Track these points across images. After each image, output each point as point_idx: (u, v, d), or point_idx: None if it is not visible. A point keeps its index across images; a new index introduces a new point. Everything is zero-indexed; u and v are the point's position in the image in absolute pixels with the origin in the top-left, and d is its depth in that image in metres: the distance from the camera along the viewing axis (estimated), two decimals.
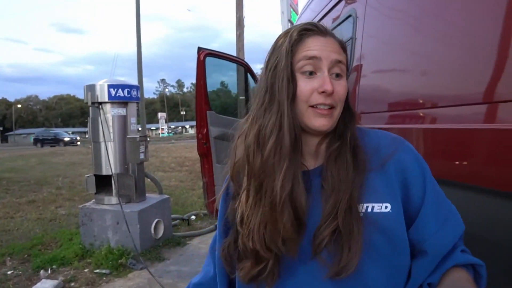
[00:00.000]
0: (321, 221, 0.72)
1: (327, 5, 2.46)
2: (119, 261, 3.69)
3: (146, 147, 4.15)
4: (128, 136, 4.10)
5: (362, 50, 1.78)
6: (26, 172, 10.60)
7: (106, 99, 3.97)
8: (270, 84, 0.74)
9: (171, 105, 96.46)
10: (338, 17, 2.18)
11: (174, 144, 23.14)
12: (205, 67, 3.80)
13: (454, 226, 0.75)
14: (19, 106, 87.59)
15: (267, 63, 0.77)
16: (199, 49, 3.78)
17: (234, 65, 4.62)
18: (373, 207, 0.73)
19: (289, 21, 7.86)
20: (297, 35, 0.74)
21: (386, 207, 0.73)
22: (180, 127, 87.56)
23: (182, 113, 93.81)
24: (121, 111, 4.08)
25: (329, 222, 0.70)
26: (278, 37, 0.79)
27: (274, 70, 0.74)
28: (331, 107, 0.73)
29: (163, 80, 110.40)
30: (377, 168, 0.75)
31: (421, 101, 1.32)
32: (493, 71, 0.95)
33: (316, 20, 2.66)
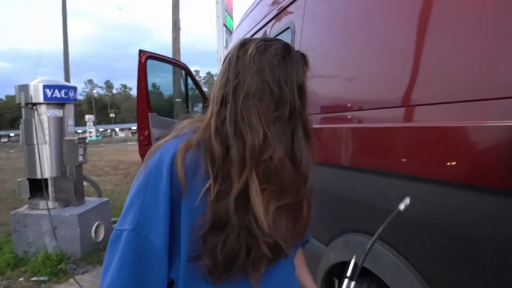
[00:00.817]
0: None
1: (266, 15, 2.68)
2: (59, 267, 3.58)
3: (84, 149, 4.07)
4: (65, 138, 3.99)
5: None
6: None
7: (42, 100, 3.83)
8: (291, 101, 0.77)
9: (99, 107, 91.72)
10: (277, 28, 2.40)
11: (105, 148, 22.12)
12: (146, 69, 3.85)
13: None
14: None
15: (275, 74, 0.76)
16: (141, 51, 3.83)
17: (170, 68, 4.69)
18: None
19: (224, 25, 8.02)
20: (305, 62, 0.82)
21: None
22: (109, 130, 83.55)
23: (111, 115, 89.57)
24: (58, 112, 3.96)
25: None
26: (273, 49, 0.78)
27: (291, 86, 0.77)
28: None
29: (90, 81, 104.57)
30: None
31: (349, 104, 1.58)
32: (407, 78, 1.21)
33: (255, 29, 2.88)
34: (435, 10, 1.13)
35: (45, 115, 3.91)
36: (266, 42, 0.80)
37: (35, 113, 3.84)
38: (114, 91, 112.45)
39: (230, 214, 0.72)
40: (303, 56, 0.82)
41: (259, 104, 0.75)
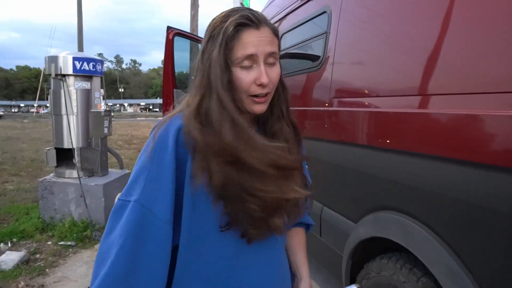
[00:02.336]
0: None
1: (296, 1, 2.73)
2: (84, 233, 3.76)
3: (110, 122, 4.19)
4: (92, 110, 4.10)
5: (336, 43, 2.07)
6: None
7: (71, 72, 3.93)
8: (207, 71, 0.81)
9: (108, 81, 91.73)
10: (312, 11, 2.46)
11: (116, 122, 22.29)
12: (173, 46, 3.91)
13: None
14: None
15: (204, 49, 0.83)
16: (168, 28, 3.87)
17: (187, 45, 4.73)
18: None
19: (241, 3, 8.00)
20: (233, 31, 0.79)
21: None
22: (118, 105, 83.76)
23: (120, 90, 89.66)
24: (86, 84, 4.06)
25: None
26: (214, 22, 0.83)
27: (210, 59, 0.80)
28: (267, 93, 0.84)
29: (100, 54, 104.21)
30: None
31: (384, 88, 1.65)
32: (423, 71, 1.29)
33: (287, 11, 2.92)
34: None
35: (73, 86, 4.01)
36: (219, 14, 0.85)
37: (64, 84, 3.94)
38: (124, 66, 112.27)
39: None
40: (241, 17, 0.81)
41: (196, 77, 0.86)
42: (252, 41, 0.79)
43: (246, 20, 0.80)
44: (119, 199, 0.80)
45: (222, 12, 0.84)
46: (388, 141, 1.55)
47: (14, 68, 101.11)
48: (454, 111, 1.21)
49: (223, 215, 0.81)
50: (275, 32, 0.85)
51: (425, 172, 1.33)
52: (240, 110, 0.83)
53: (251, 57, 0.80)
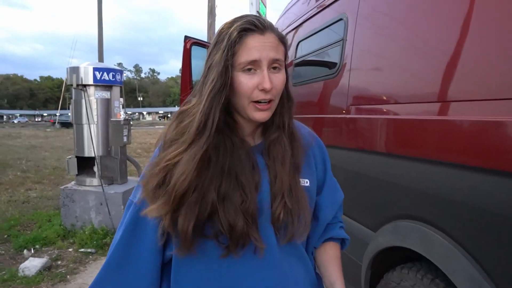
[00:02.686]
0: (272, 197, 0.85)
1: (315, 6, 2.73)
2: (104, 240, 3.82)
3: (129, 131, 4.26)
4: (111, 119, 4.18)
5: (353, 50, 2.06)
6: None
7: (91, 82, 4.02)
8: (205, 75, 0.81)
9: (127, 90, 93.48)
10: (328, 19, 2.45)
11: (135, 130, 22.67)
12: (191, 55, 3.96)
13: (337, 196, 1.07)
14: None
15: (210, 54, 0.83)
16: (186, 37, 3.93)
17: (205, 53, 4.79)
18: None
19: (258, 12, 8.06)
20: (237, 36, 0.78)
21: (306, 182, 0.94)
22: (137, 113, 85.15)
23: (139, 99, 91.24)
24: (105, 94, 4.15)
25: (280, 198, 0.85)
26: (221, 28, 0.83)
27: (211, 63, 0.80)
28: (270, 100, 0.83)
29: (120, 64, 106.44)
30: None
31: (402, 96, 1.63)
32: (443, 75, 1.26)
33: (303, 18, 2.93)
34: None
35: (94, 96, 4.11)
36: (221, 29, 0.85)
37: (85, 94, 4.04)
38: (143, 75, 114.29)
39: None
40: (246, 23, 0.80)
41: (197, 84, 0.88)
42: (256, 46, 0.79)
43: (251, 25, 0.79)
44: (129, 199, 0.92)
45: (231, 19, 0.85)
46: (408, 148, 1.53)
47: (38, 79, 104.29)
48: (476, 117, 1.18)
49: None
50: (281, 39, 0.84)
51: (447, 181, 1.30)
52: (243, 117, 0.86)
53: (255, 62, 0.79)
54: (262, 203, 0.84)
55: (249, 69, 0.79)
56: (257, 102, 0.81)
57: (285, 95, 0.89)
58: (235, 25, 0.80)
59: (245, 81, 0.79)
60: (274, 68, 0.82)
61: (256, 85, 0.80)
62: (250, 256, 0.83)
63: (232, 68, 0.79)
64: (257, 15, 0.85)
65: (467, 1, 1.28)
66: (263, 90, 0.80)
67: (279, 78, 0.83)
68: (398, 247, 1.55)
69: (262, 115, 0.83)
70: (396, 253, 1.62)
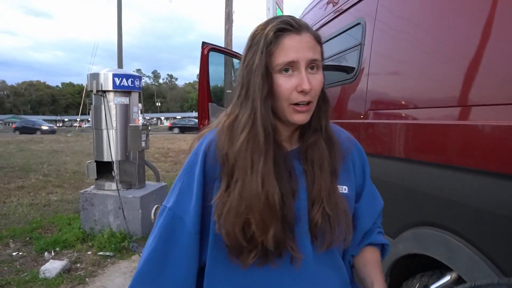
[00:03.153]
0: (309, 204, 0.84)
1: (333, 10, 2.72)
2: (122, 244, 3.86)
3: (147, 136, 4.31)
4: (130, 124, 4.25)
5: (371, 55, 2.04)
6: (7, 158, 10.47)
7: (111, 88, 4.10)
8: (246, 81, 0.79)
9: (146, 95, 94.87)
10: (346, 23, 2.44)
11: (153, 135, 22.97)
12: (208, 61, 3.99)
13: (376, 204, 1.04)
14: None
15: (245, 58, 0.81)
16: (203, 43, 3.97)
17: (222, 59, 4.81)
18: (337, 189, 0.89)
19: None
20: (273, 36, 0.76)
21: (345, 189, 0.91)
22: (155, 119, 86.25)
23: (157, 104, 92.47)
24: (124, 100, 4.22)
25: (319, 204, 0.83)
26: (254, 31, 0.81)
27: (251, 67, 0.78)
28: (309, 102, 0.80)
29: (139, 70, 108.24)
30: None
31: (421, 101, 1.60)
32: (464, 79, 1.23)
33: (322, 22, 2.92)
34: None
35: (113, 102, 4.18)
36: (255, 31, 0.82)
37: (104, 100, 4.11)
38: (161, 80, 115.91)
39: None
40: (281, 23, 0.78)
41: (234, 90, 0.83)
42: (293, 46, 0.76)
43: (286, 25, 0.77)
44: (163, 205, 0.86)
45: (263, 22, 0.83)
46: (428, 154, 1.50)
47: (60, 85, 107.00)
48: (500, 122, 1.15)
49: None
50: (317, 38, 0.81)
51: (470, 187, 1.26)
52: (281, 121, 0.83)
53: (292, 63, 0.77)
54: (299, 211, 0.83)
55: (286, 70, 0.77)
56: (296, 104, 0.79)
57: (322, 97, 0.86)
58: (270, 26, 0.78)
59: (284, 83, 0.77)
60: (312, 68, 0.79)
61: (294, 86, 0.77)
62: (286, 266, 0.82)
63: (272, 70, 0.78)
64: (291, 15, 0.82)
65: (488, 2, 1.26)
66: (302, 92, 0.77)
67: (317, 78, 0.80)
68: (417, 254, 1.51)
69: (301, 117, 0.80)
70: (416, 260, 1.59)
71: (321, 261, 0.87)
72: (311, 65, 0.79)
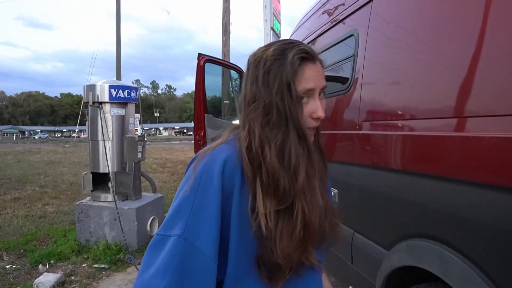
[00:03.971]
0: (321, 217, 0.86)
1: (326, 22, 2.74)
2: (117, 256, 3.83)
3: (143, 147, 4.30)
4: (126, 135, 4.24)
5: (364, 65, 2.05)
6: (4, 169, 10.43)
7: (107, 99, 4.10)
8: (277, 104, 0.77)
9: (144, 106, 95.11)
10: (339, 34, 2.45)
11: (151, 145, 22.97)
12: (205, 72, 4.01)
13: None
14: None
15: (264, 79, 0.78)
16: (199, 55, 3.99)
17: (219, 71, 4.84)
18: None
19: (272, 28, 8.15)
20: (299, 63, 0.78)
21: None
22: (153, 129, 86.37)
23: (156, 114, 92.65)
24: (121, 111, 4.22)
25: (329, 215, 0.89)
26: (269, 53, 0.80)
27: (278, 90, 0.77)
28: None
29: (137, 81, 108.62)
30: None
31: (411, 112, 1.60)
32: (460, 89, 1.23)
33: (315, 35, 2.94)
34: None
35: (109, 113, 4.18)
36: (267, 47, 0.82)
37: (101, 111, 4.11)
38: (159, 91, 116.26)
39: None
40: (302, 52, 0.80)
41: (254, 110, 0.79)
42: (312, 75, 0.80)
43: (306, 54, 0.80)
44: (157, 234, 0.76)
45: (271, 45, 0.82)
46: (424, 165, 1.49)
47: (59, 96, 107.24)
48: (497, 133, 1.15)
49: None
50: (323, 66, 0.86)
51: (465, 199, 1.25)
52: None
53: (310, 91, 0.80)
54: None
55: (302, 97, 0.80)
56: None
57: None
58: (291, 53, 0.78)
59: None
60: (320, 94, 0.83)
61: (310, 113, 0.81)
62: (309, 273, 0.87)
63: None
64: (302, 42, 0.85)
65: (482, 10, 1.26)
66: (317, 119, 0.82)
67: (324, 105, 0.85)
68: (412, 266, 1.50)
69: (311, 139, 0.85)
70: (411, 272, 1.57)
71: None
72: (321, 92, 0.83)
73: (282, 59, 0.78)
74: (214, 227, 0.75)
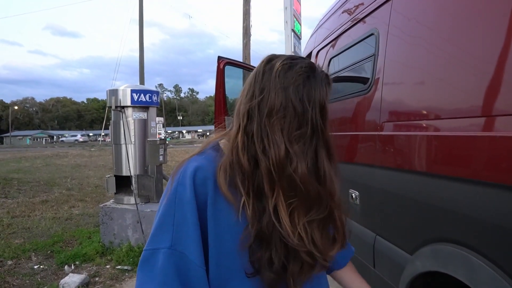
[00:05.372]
0: None
1: (346, 22, 2.70)
2: (140, 258, 3.87)
3: (165, 150, 4.35)
4: (148, 139, 4.30)
5: (385, 65, 2.00)
6: (33, 173, 10.81)
7: (129, 104, 4.18)
8: (312, 119, 0.77)
9: (168, 109, 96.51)
10: (359, 34, 2.41)
11: (174, 149, 23.28)
12: (225, 75, 4.01)
13: None
14: (15, 107, 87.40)
15: (299, 92, 0.77)
16: (219, 58, 4.00)
17: (240, 73, 4.84)
18: None
19: (292, 30, 8.11)
20: (328, 87, 0.81)
21: None
22: (177, 132, 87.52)
23: (179, 118, 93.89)
24: (142, 115, 4.29)
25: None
26: (298, 68, 0.79)
27: (314, 106, 0.77)
28: None
29: (161, 85, 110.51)
30: None
31: (436, 113, 1.55)
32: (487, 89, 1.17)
33: (334, 35, 2.90)
34: None
35: (131, 117, 4.25)
36: (292, 60, 0.80)
37: (123, 115, 4.19)
38: (182, 95, 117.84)
39: (270, 227, 0.75)
40: (327, 77, 0.82)
41: (282, 121, 0.75)
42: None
43: (329, 80, 0.84)
44: (145, 250, 0.77)
45: (295, 59, 0.82)
46: (449, 167, 1.43)
47: (85, 101, 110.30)
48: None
49: (248, 262, 0.77)
50: None
51: (494, 203, 1.19)
52: None
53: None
54: None
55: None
56: None
57: None
58: (320, 74, 0.81)
59: None
60: None
61: None
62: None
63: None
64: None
65: (510, 4, 1.20)
66: None
67: None
68: (436, 272, 1.44)
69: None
70: (435, 278, 1.51)
71: None
72: None
73: (314, 77, 0.79)
74: (196, 236, 0.76)
